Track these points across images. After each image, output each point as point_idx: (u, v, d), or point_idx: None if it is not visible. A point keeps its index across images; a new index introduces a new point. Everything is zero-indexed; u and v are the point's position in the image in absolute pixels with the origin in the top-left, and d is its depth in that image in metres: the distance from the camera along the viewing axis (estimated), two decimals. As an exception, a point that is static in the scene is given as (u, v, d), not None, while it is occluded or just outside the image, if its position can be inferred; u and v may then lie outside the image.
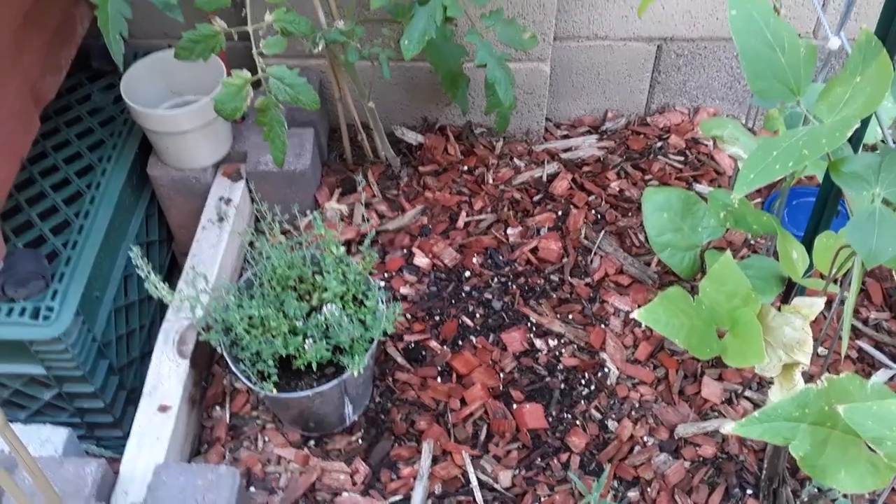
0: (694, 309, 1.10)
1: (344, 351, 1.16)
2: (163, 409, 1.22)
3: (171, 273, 1.74)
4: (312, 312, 1.17)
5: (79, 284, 1.35)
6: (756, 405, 1.31)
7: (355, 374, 1.11)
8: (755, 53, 0.88)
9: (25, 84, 1.31)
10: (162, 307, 1.70)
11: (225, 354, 1.14)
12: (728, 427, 0.85)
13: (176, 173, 1.52)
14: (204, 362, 1.35)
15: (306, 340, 1.10)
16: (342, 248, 1.16)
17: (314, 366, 1.14)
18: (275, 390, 1.10)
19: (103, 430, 1.51)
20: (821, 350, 1.35)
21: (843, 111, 0.86)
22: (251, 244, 1.18)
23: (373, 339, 1.14)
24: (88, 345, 1.36)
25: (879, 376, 1.34)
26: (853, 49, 0.88)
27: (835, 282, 1.09)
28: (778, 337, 1.10)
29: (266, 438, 1.29)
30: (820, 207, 1.10)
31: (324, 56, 1.48)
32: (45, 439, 1.34)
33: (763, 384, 1.33)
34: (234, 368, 1.12)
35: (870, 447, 0.77)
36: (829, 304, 1.10)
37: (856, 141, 0.95)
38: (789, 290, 1.23)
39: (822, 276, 1.17)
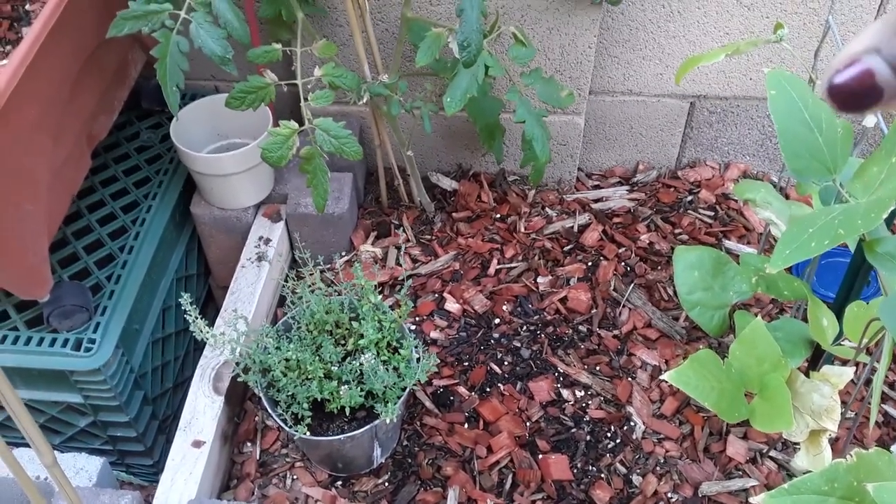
0: (724, 372, 1.12)
1: (376, 396, 1.19)
2: (197, 444, 1.26)
3: (206, 305, 1.79)
4: (347, 357, 1.20)
5: (120, 317, 1.39)
6: (780, 466, 1.32)
7: (388, 420, 1.14)
8: (794, 134, 0.91)
9: (82, 125, 1.37)
10: (195, 340, 1.74)
11: (262, 396, 1.17)
12: (758, 499, 0.87)
13: (218, 212, 1.57)
14: (237, 398, 1.39)
15: (342, 386, 1.13)
16: (379, 297, 1.19)
17: (346, 409, 1.17)
18: (308, 433, 1.13)
19: (134, 457, 1.54)
20: (848, 413, 1.36)
21: (879, 191, 0.88)
22: (293, 290, 1.22)
23: (405, 388, 1.17)
24: (126, 376, 1.41)
25: (903, 443, 1.35)
26: (890, 130, 0.90)
27: (866, 352, 1.10)
28: (806, 403, 1.12)
29: (294, 477, 1.32)
30: (851, 278, 1.12)
31: (366, 105, 1.53)
32: (80, 468, 1.38)
33: (787, 445, 1.34)
34: (270, 411, 1.15)
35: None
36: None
37: (889, 220, 0.97)
38: (817, 354, 1.24)
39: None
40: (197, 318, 1.13)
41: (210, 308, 1.81)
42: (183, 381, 1.68)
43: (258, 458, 1.34)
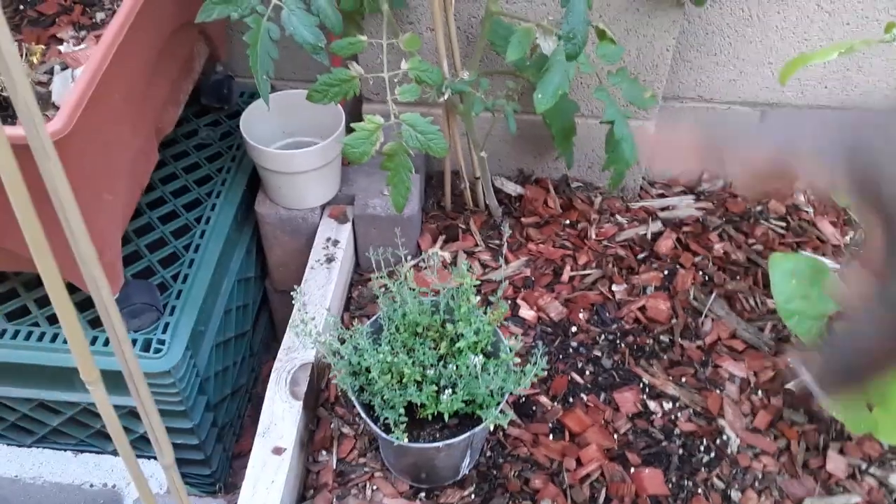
0: (844, 380, 1.06)
1: (472, 403, 1.13)
2: (277, 451, 1.19)
3: (261, 310, 1.73)
4: (440, 361, 1.14)
5: (189, 318, 1.33)
6: (881, 482, 1.26)
7: (492, 427, 1.08)
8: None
9: (155, 115, 1.31)
10: (251, 345, 1.68)
11: (354, 400, 1.11)
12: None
13: (284, 212, 1.51)
14: (312, 404, 1.32)
15: (445, 391, 1.07)
16: (477, 298, 1.14)
17: (444, 417, 1.11)
18: (406, 440, 1.07)
19: (193, 466, 1.47)
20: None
21: None
22: (384, 289, 1.16)
23: (506, 393, 1.11)
24: (193, 380, 1.34)
25: None
26: None
27: None
28: (930, 414, 1.07)
29: (375, 487, 1.25)
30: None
31: (440, 105, 1.48)
32: (150, 475, 1.32)
33: (885, 461, 1.29)
34: (365, 416, 1.09)
35: None
36: None
37: None
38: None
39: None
40: (304, 321, 1.06)
41: (263, 313, 1.75)
42: (240, 387, 1.62)
43: (335, 467, 1.27)
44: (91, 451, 1.45)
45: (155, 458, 1.33)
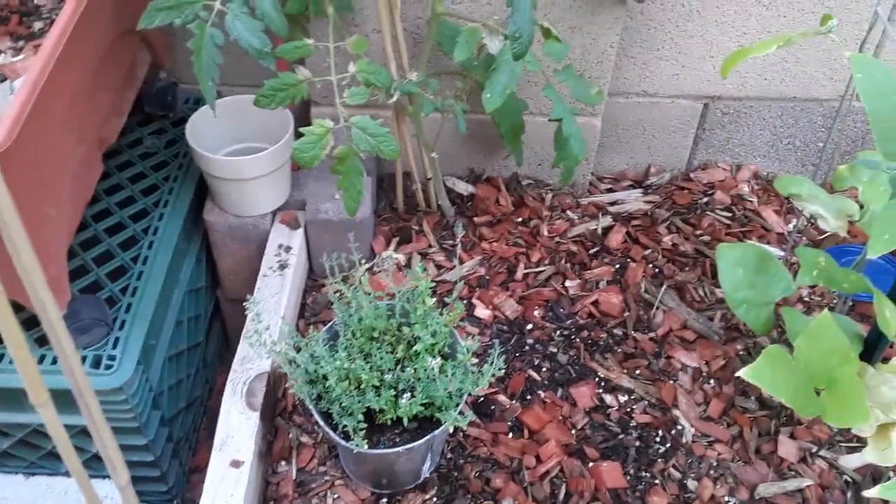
0: (793, 367, 1.09)
1: (430, 405, 1.13)
2: (235, 464, 1.18)
3: (213, 320, 1.70)
4: (397, 365, 1.14)
5: (140, 332, 1.30)
6: (830, 464, 1.30)
7: (451, 429, 1.08)
8: (885, 118, 0.89)
9: (98, 125, 1.28)
10: (205, 357, 1.65)
11: (312, 409, 1.10)
12: (872, 491, 0.84)
13: (234, 219, 1.49)
14: (269, 415, 1.31)
15: (403, 395, 1.06)
16: (432, 300, 1.14)
17: (403, 421, 1.10)
18: (365, 446, 1.07)
19: (149, 483, 1.44)
20: None
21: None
22: (339, 294, 1.15)
23: (465, 394, 1.11)
24: (146, 395, 1.32)
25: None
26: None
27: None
28: (875, 396, 1.10)
29: (336, 495, 1.24)
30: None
31: (389, 107, 1.48)
32: (105, 496, 1.29)
33: (834, 443, 1.32)
34: (323, 424, 1.08)
35: None
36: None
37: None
38: (868, 349, 1.23)
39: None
40: (260, 332, 1.05)
41: (215, 323, 1.73)
42: (193, 401, 1.59)
43: (295, 477, 1.26)
44: (43, 474, 1.41)
45: (109, 477, 1.30)
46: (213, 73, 1.14)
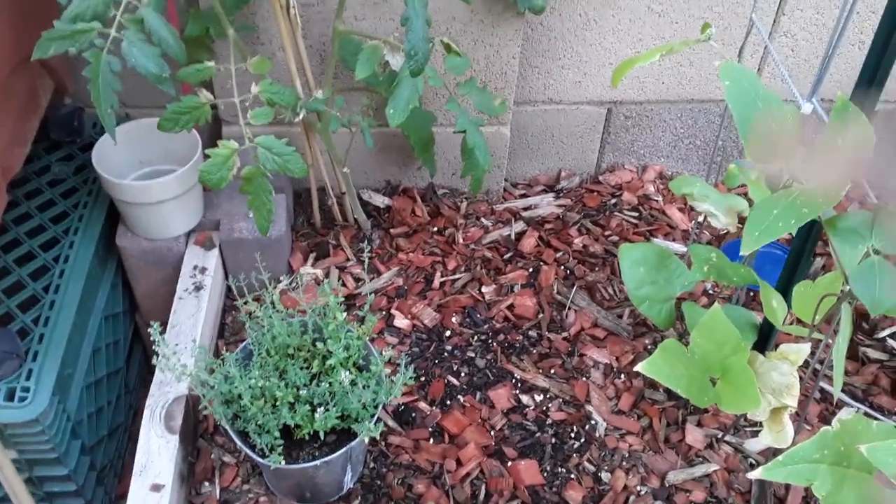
0: (688, 359, 1.15)
1: (347, 418, 1.15)
2: (155, 488, 1.18)
3: (133, 344, 1.69)
4: (313, 380, 1.16)
5: (53, 362, 1.29)
6: (735, 448, 1.36)
7: (366, 440, 1.10)
8: (751, 122, 0.95)
9: (-2, 157, 1.27)
10: (126, 383, 1.64)
11: (228, 429, 1.11)
12: (755, 472, 0.89)
13: (147, 243, 1.49)
14: (190, 436, 1.31)
15: (317, 409, 1.09)
16: (344, 314, 1.16)
17: (321, 434, 1.13)
18: (283, 462, 1.08)
19: (72, 514, 1.43)
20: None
21: (828, 174, 0.94)
22: (251, 314, 1.17)
23: (379, 405, 1.14)
24: (63, 425, 1.31)
25: (843, 415, 1.42)
26: (831, 115, 0.96)
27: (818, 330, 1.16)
28: (766, 382, 1.17)
29: (260, 512, 1.26)
30: (795, 259, 1.18)
31: (297, 124, 1.50)
32: (24, 529, 1.27)
33: (739, 428, 1.40)
34: (240, 443, 1.10)
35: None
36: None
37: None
38: (762, 338, 1.30)
39: (799, 322, 1.25)
40: (167, 355, 1.06)
41: (136, 347, 1.72)
42: (116, 427, 1.58)
43: (218, 497, 1.27)
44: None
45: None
46: (112, 100, 1.14)
